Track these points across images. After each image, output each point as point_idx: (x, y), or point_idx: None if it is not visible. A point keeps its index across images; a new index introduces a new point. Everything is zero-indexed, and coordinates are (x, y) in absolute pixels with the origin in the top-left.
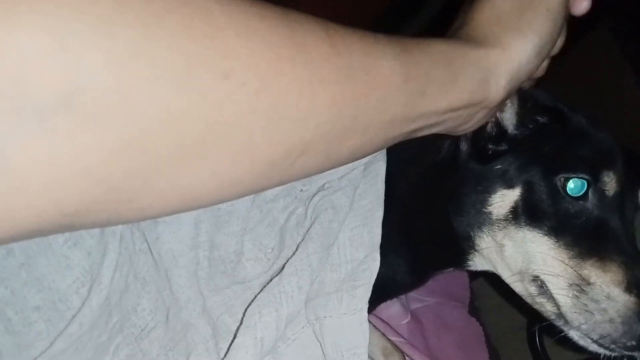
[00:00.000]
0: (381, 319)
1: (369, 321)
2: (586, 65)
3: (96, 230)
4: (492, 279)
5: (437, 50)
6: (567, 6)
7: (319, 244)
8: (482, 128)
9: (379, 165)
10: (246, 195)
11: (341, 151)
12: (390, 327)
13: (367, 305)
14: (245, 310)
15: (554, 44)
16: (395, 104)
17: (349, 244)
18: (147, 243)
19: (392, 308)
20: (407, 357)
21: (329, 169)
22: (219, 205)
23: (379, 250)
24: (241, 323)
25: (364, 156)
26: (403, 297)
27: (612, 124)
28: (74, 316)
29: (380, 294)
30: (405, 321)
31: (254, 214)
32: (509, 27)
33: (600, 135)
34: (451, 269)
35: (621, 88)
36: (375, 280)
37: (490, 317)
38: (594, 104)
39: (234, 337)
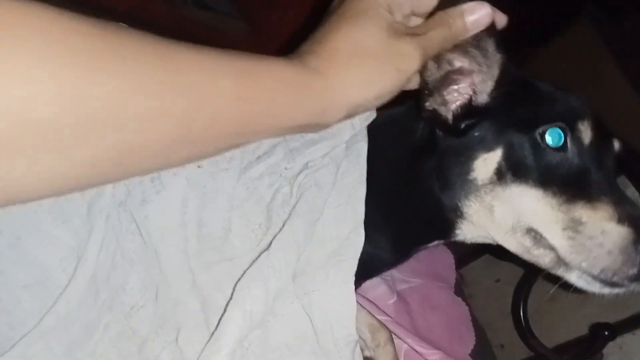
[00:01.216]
0: (367, 299)
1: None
2: (569, 53)
3: (83, 210)
4: (481, 265)
5: (283, 76)
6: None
7: (304, 220)
8: (439, 116)
9: (361, 145)
10: (81, 190)
11: (176, 156)
12: (377, 306)
13: (353, 279)
14: (235, 285)
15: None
16: (231, 121)
17: (333, 221)
18: (136, 222)
19: (378, 289)
20: (393, 335)
21: (169, 168)
22: (205, 183)
23: (363, 226)
24: (231, 298)
25: (206, 158)
26: (389, 278)
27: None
28: (61, 294)
29: (364, 271)
30: (391, 301)
31: (240, 192)
32: (359, 71)
33: (568, 93)
34: (436, 242)
35: (603, 76)
36: (359, 257)
37: (479, 302)
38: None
39: (224, 312)
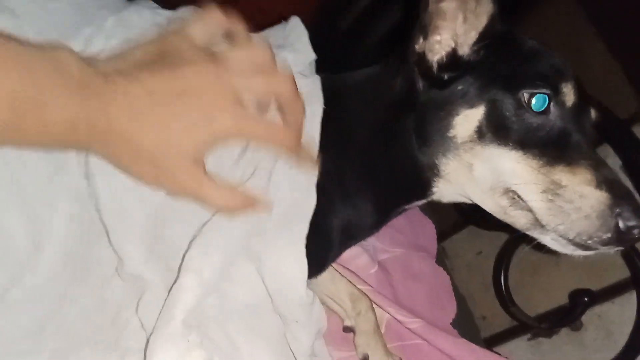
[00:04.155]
0: (349, 269)
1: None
2: (550, 27)
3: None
4: (463, 238)
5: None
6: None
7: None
8: (426, 61)
9: (316, 107)
10: None
11: None
12: (358, 276)
13: (304, 242)
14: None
15: None
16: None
17: (286, 184)
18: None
19: (359, 259)
20: (375, 304)
21: None
22: None
23: (315, 190)
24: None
25: None
26: (370, 248)
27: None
28: (28, 267)
29: (346, 237)
30: (372, 271)
31: None
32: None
33: (552, 53)
34: (416, 202)
35: (586, 50)
36: (340, 222)
37: (461, 275)
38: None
39: (176, 278)
